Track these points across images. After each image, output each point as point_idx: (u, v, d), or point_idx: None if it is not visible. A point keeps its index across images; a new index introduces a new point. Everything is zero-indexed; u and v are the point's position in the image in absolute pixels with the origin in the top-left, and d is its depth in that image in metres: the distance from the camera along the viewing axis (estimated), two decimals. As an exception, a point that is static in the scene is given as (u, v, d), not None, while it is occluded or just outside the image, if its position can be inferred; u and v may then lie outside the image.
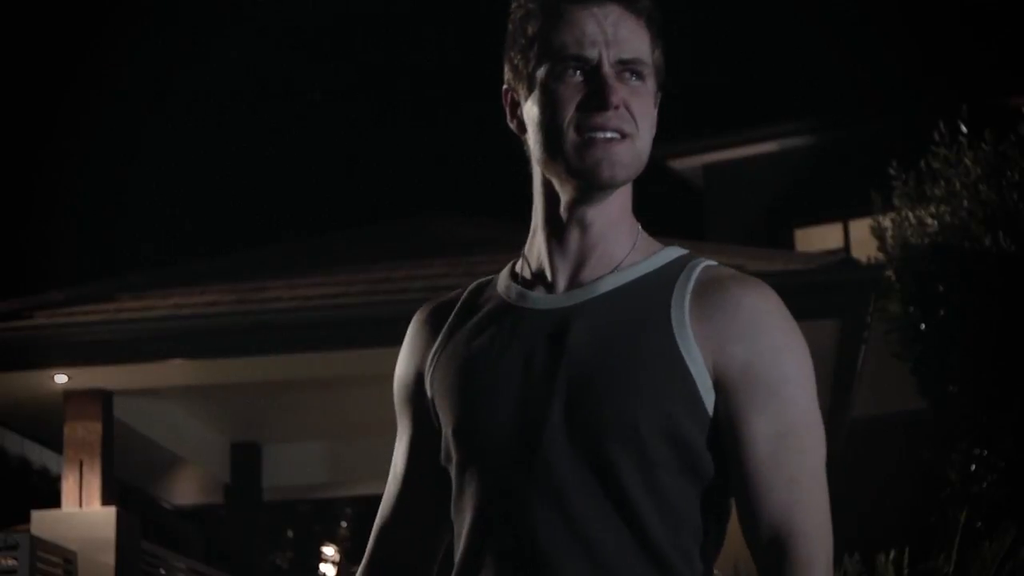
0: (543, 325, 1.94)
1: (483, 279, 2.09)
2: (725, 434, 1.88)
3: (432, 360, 2.03)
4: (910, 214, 11.36)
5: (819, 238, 16.53)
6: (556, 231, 1.98)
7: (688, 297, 1.91)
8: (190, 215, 26.15)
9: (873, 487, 12.80)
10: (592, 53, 1.92)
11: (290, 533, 21.26)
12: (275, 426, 12.77)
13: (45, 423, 11.50)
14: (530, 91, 1.96)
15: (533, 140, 1.97)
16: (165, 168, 26.65)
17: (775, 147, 17.52)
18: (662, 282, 1.94)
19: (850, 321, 10.02)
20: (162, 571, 11.32)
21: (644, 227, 2.03)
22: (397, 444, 2.10)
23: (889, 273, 10.86)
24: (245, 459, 13.00)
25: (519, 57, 1.98)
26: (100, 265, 23.58)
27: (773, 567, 1.86)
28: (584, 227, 1.97)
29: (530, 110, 1.97)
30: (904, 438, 11.92)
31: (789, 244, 16.69)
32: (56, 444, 11.45)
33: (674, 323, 1.89)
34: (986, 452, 10.22)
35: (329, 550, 21.18)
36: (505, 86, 2.03)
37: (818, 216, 16.71)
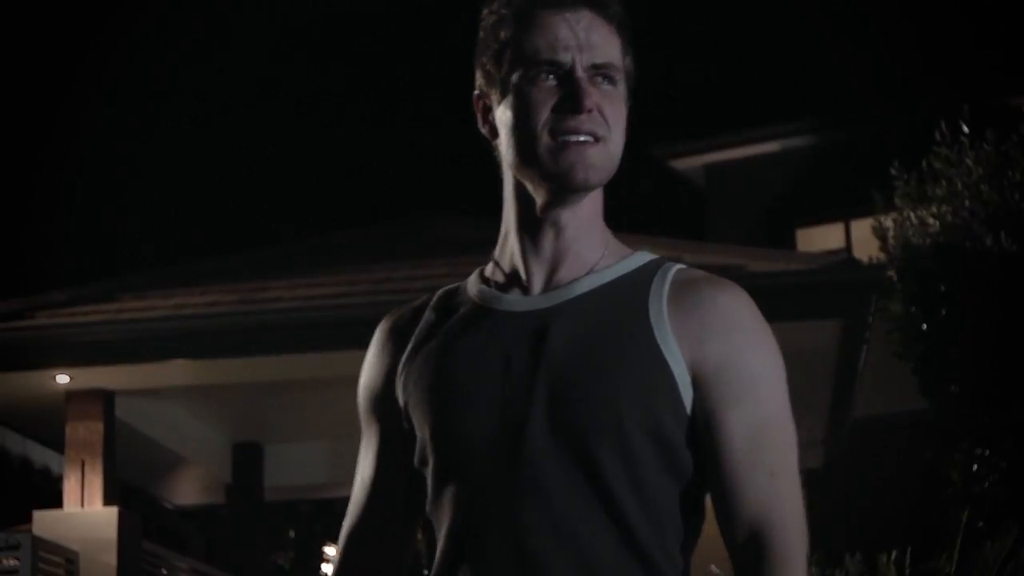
0: (521, 326, 1.94)
1: (449, 286, 2.11)
2: (702, 430, 1.90)
3: (404, 366, 2.02)
4: (911, 214, 11.34)
5: (820, 238, 16.51)
6: (530, 234, 1.99)
7: (665, 297, 1.93)
8: (190, 215, 26.16)
9: (875, 487, 12.81)
10: (565, 58, 1.93)
11: (292, 533, 21.23)
12: (276, 426, 12.76)
13: (47, 423, 11.50)
14: (503, 96, 1.97)
15: (506, 144, 1.98)
16: (165, 168, 26.67)
17: (777, 147, 17.52)
18: (638, 284, 1.96)
19: (851, 321, 10.02)
20: (164, 571, 11.31)
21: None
22: (363, 451, 2.09)
23: (890, 273, 10.84)
24: (246, 459, 12.99)
25: (491, 62, 1.99)
26: (100, 265, 23.62)
27: (751, 561, 1.87)
28: (558, 229, 1.98)
29: (503, 115, 1.97)
30: (906, 438, 11.92)
31: (791, 244, 16.68)
32: (58, 444, 11.44)
33: (653, 322, 1.91)
34: (988, 452, 10.21)
35: (331, 550, 21.13)
36: (477, 91, 2.04)
37: (820, 216, 16.71)
